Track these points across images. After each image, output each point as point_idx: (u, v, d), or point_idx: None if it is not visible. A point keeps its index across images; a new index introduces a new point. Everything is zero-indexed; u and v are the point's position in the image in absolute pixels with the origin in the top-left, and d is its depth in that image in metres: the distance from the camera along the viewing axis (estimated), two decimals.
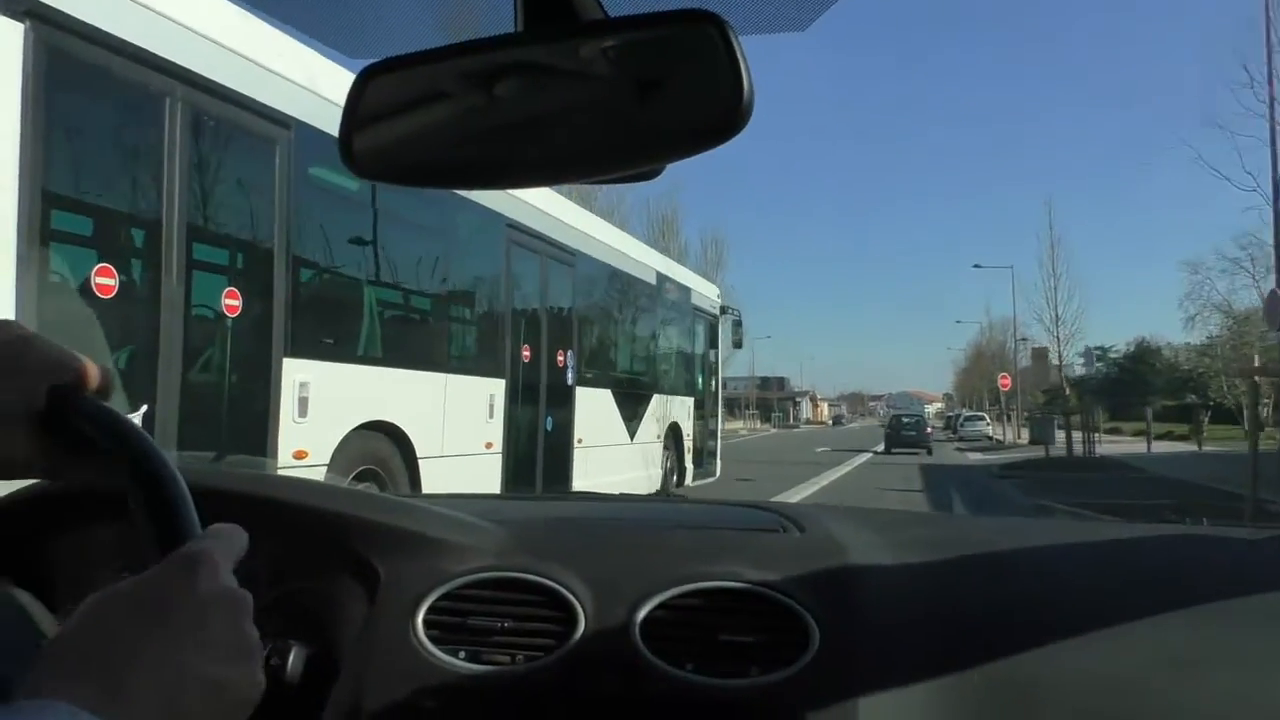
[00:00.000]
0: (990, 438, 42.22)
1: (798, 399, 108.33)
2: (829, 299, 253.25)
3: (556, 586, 1.04)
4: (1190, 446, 28.51)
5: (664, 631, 0.99)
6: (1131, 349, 63.13)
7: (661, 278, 11.56)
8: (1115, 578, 1.08)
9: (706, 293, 13.67)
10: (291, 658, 0.94)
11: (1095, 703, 0.89)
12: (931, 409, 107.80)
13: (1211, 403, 35.73)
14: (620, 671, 0.97)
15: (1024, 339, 45.24)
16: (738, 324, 15.10)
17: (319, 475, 5.09)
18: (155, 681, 0.50)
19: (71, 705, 0.46)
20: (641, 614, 1.00)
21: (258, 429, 4.78)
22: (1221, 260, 37.09)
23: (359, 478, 5.54)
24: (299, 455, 5.01)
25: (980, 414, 54.98)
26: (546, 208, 8.16)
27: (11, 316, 3.36)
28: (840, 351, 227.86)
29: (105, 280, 3.94)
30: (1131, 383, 56.56)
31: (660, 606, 1.01)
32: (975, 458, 29.89)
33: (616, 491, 8.70)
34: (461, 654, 1.00)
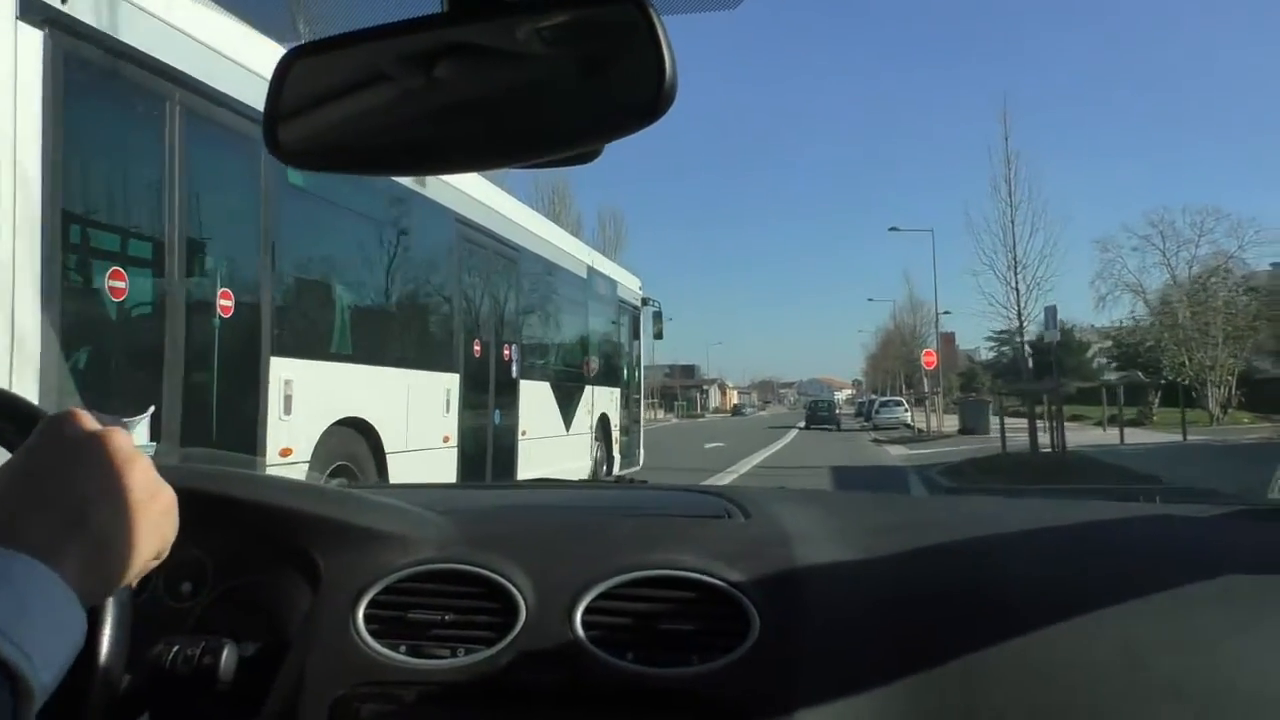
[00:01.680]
0: (909, 426, 37.24)
1: (705, 387, 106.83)
2: (739, 281, 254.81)
3: (497, 578, 1.03)
4: (1156, 434, 24.26)
5: (605, 621, 0.99)
6: (1043, 331, 62.38)
7: (591, 271, 11.83)
8: (1070, 561, 1.08)
9: (630, 284, 13.98)
10: (225, 655, 0.92)
11: (1042, 690, 0.89)
12: (842, 395, 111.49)
13: (1164, 381, 31.59)
14: (561, 663, 0.97)
15: (947, 312, 41.35)
16: (658, 315, 15.46)
17: (301, 471, 5.21)
18: (66, 520, 0.57)
19: (23, 554, 0.54)
20: (582, 604, 1.00)
21: (250, 426, 4.88)
22: (1132, 238, 34.63)
23: (334, 473, 5.65)
24: (284, 452, 5.11)
25: (897, 399, 48.10)
26: (490, 202, 8.33)
27: (35, 317, 3.45)
28: (750, 338, 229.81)
29: (117, 283, 4.01)
30: (1045, 365, 55.01)
31: (601, 595, 1.01)
32: (898, 453, 23.84)
33: None
34: (402, 648, 1.00)
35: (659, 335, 15.75)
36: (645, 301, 14.74)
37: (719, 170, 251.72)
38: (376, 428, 6.11)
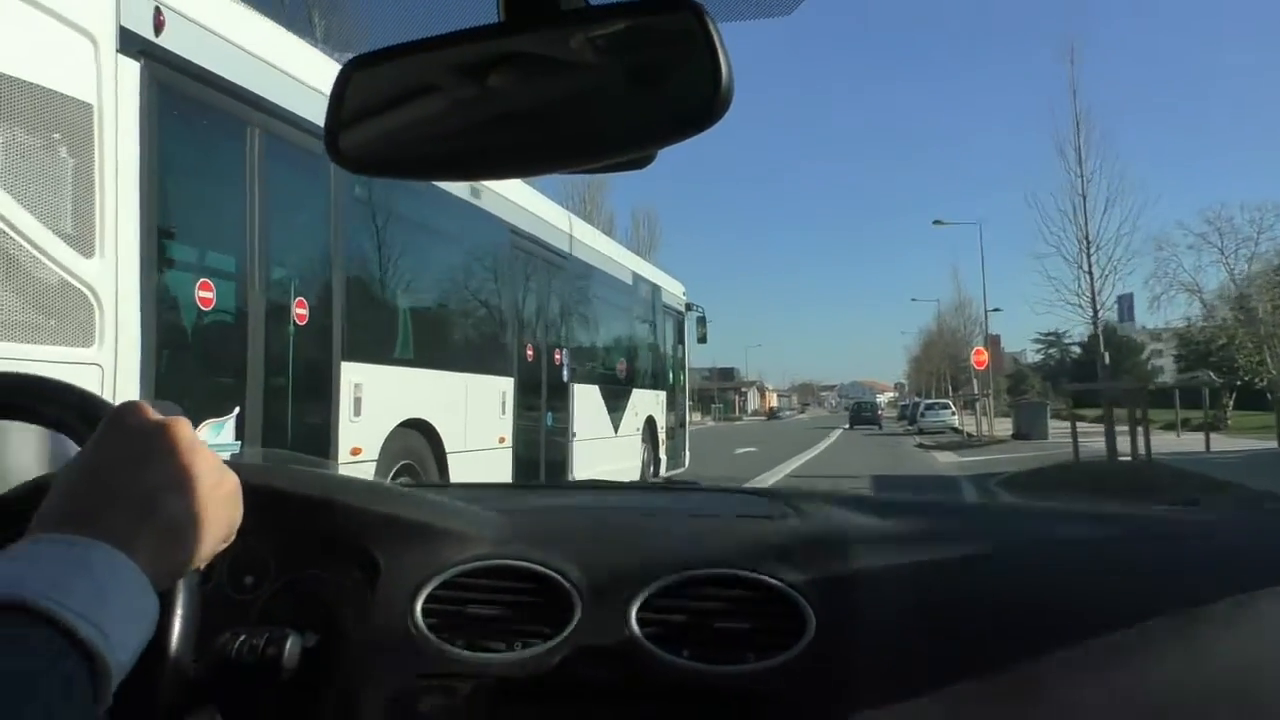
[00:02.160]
0: (957, 430, 35.45)
1: (744, 390, 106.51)
2: (779, 284, 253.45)
3: (553, 574, 1.05)
4: (1238, 440, 21.01)
5: (660, 618, 1.00)
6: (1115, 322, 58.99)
7: (637, 278, 12.07)
8: (1128, 572, 1.07)
9: (674, 290, 14.19)
10: (288, 646, 0.93)
11: (1091, 702, 0.89)
12: (884, 398, 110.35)
13: (1239, 382, 28.27)
14: (616, 659, 0.98)
15: (996, 309, 38.61)
16: (702, 320, 15.67)
17: (370, 470, 5.49)
18: (138, 510, 0.60)
19: (102, 543, 0.57)
20: (638, 601, 1.01)
21: (324, 427, 5.17)
22: (1188, 235, 29.81)
23: (399, 472, 5.93)
24: (354, 452, 5.40)
25: (943, 401, 45.40)
26: (540, 212, 8.60)
27: (136, 328, 3.74)
28: (790, 341, 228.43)
29: (205, 294, 4.31)
30: (1095, 366, 51.30)
31: (656, 593, 1.02)
32: (948, 461, 21.61)
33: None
34: (459, 642, 1.01)
35: (702, 339, 15.93)
36: (689, 307, 14.96)
37: (759, 172, 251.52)
38: (438, 429, 6.38)
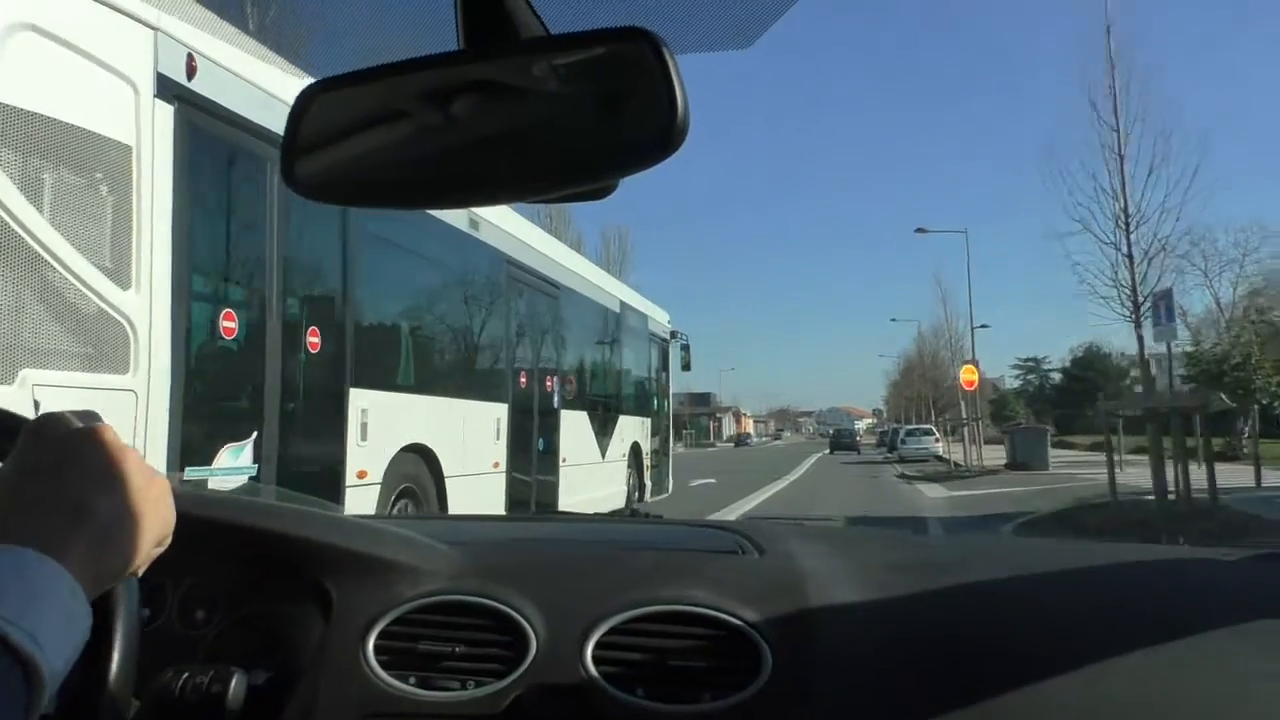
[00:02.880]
0: (942, 458, 32.68)
1: (718, 415, 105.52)
2: (755, 306, 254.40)
3: (508, 610, 1.03)
4: (1267, 471, 16.06)
5: (616, 655, 0.99)
6: (1079, 354, 57.01)
7: (624, 306, 12.36)
8: (1089, 603, 1.06)
9: (659, 318, 14.50)
10: (234, 684, 0.92)
11: None
12: (862, 424, 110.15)
13: (1260, 405, 24.73)
14: (571, 697, 0.97)
15: (984, 325, 34.79)
16: (685, 348, 15.95)
17: (374, 494, 5.71)
18: (66, 515, 0.59)
19: (29, 549, 0.55)
20: (594, 638, 0.99)
21: (334, 450, 5.39)
22: (1169, 257, 26.69)
23: (400, 495, 6.15)
24: (360, 475, 5.61)
25: (926, 426, 42.70)
26: (534, 243, 8.88)
27: (167, 356, 3.96)
28: (767, 367, 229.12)
29: (228, 324, 4.54)
30: (1082, 391, 50.74)
31: (613, 630, 1.00)
32: (937, 496, 18.55)
33: (592, 508, 9.46)
34: (411, 679, 1.00)
35: (686, 367, 16.20)
36: (673, 334, 15.26)
37: (731, 200, 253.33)
38: (437, 453, 6.60)
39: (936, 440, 37.75)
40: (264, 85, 4.78)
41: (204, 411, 4.38)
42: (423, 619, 1.04)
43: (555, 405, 9.30)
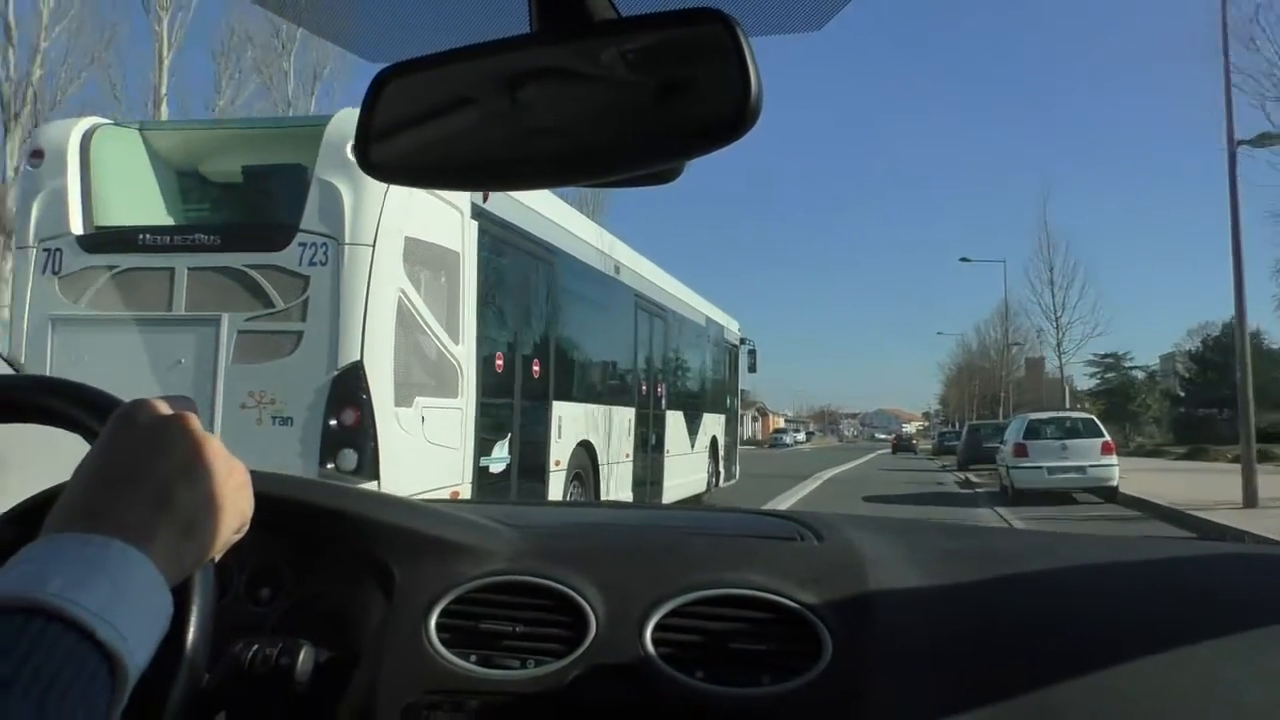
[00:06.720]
0: (1111, 486, 16.86)
1: (756, 416, 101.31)
2: (796, 309, 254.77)
3: (568, 591, 1.04)
4: None
5: (675, 638, 0.99)
6: (1212, 340, 46.94)
7: (708, 320, 14.55)
8: (1151, 598, 1.05)
9: (731, 327, 16.68)
10: (301, 657, 0.94)
11: None
12: (911, 428, 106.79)
13: None
14: (630, 678, 0.98)
15: (1016, 345, 36.54)
16: (752, 352, 18.12)
17: (562, 477, 7.97)
18: (151, 503, 0.60)
19: (117, 540, 0.56)
20: (653, 620, 1.00)
21: (544, 446, 7.69)
22: None
23: (574, 478, 8.41)
24: (556, 463, 7.87)
25: (1078, 416, 18.95)
26: (653, 278, 11.13)
27: (475, 386, 6.27)
28: (808, 367, 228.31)
29: (500, 362, 6.82)
30: (1212, 382, 42.99)
31: (672, 613, 1.01)
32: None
33: (684, 490, 11.73)
34: (473, 658, 1.01)
35: (753, 369, 18.35)
36: (742, 341, 17.43)
37: (779, 208, 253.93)
38: (596, 447, 8.86)
39: (1108, 451, 15.92)
40: (535, 207, 7.17)
41: (489, 421, 6.64)
42: (484, 599, 1.06)
43: (663, 407, 11.54)
